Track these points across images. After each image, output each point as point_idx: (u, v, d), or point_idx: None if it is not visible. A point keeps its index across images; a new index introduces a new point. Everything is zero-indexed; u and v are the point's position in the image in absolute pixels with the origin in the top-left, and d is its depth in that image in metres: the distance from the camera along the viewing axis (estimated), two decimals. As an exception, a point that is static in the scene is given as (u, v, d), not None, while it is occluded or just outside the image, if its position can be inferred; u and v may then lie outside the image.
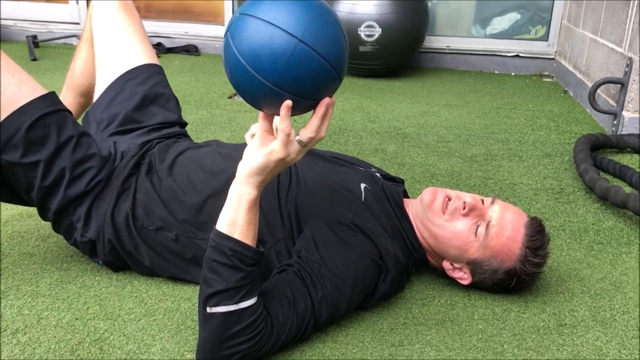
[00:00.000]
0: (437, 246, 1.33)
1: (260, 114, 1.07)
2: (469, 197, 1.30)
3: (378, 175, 1.49)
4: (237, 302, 1.04)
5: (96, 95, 1.60)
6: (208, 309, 1.04)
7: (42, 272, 1.39)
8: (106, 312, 1.24)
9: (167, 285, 1.35)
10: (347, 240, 1.22)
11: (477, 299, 1.34)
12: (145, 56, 1.63)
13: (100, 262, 1.38)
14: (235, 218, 1.07)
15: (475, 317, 1.28)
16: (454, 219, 1.30)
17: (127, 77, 1.58)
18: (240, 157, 1.38)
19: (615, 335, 1.23)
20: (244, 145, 1.46)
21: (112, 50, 1.62)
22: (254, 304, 1.06)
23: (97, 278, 1.37)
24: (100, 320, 1.21)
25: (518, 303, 1.33)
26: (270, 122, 1.08)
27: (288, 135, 1.01)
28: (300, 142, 1.02)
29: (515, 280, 1.29)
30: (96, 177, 1.33)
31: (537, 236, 1.28)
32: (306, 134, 1.02)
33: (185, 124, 1.67)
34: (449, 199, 1.32)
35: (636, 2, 2.47)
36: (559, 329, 1.24)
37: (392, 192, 1.42)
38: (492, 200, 1.33)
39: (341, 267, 1.18)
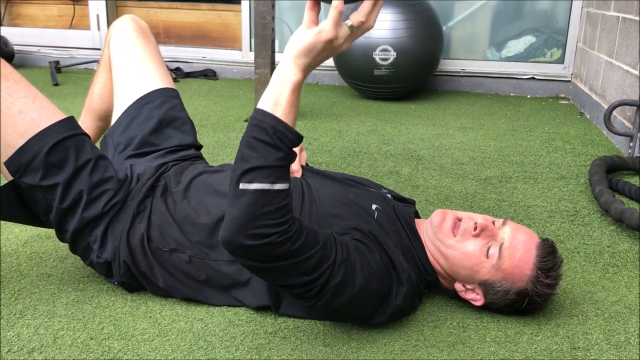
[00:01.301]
0: (449, 267, 1.33)
1: (308, 3, 1.06)
2: (480, 218, 1.31)
3: (389, 196, 1.50)
4: (271, 182, 1.03)
5: (114, 119, 1.64)
6: (241, 185, 1.03)
7: (59, 292, 1.41)
8: (120, 332, 1.26)
9: (181, 306, 1.36)
10: (364, 242, 1.24)
11: (489, 321, 1.34)
12: (161, 81, 1.67)
13: (116, 282, 1.40)
14: (278, 98, 1.05)
15: (487, 339, 1.27)
16: (464, 240, 1.30)
17: (143, 101, 1.62)
18: None
19: (629, 359, 1.21)
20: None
21: (129, 75, 1.66)
22: (287, 189, 1.05)
23: (112, 298, 1.39)
24: (115, 340, 1.23)
25: (531, 326, 1.32)
26: (317, 13, 1.08)
27: (340, 12, 1.01)
28: (350, 26, 1.03)
29: (526, 301, 1.29)
30: (112, 199, 1.36)
31: (549, 257, 1.28)
32: (357, 17, 1.03)
33: (201, 146, 1.70)
34: (459, 220, 1.33)
35: (650, 24, 2.48)
36: (572, 352, 1.23)
37: (403, 213, 1.43)
38: (504, 221, 1.33)
39: (357, 262, 1.20)
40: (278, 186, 1.04)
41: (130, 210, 1.37)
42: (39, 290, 1.41)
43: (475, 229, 1.29)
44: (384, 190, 1.53)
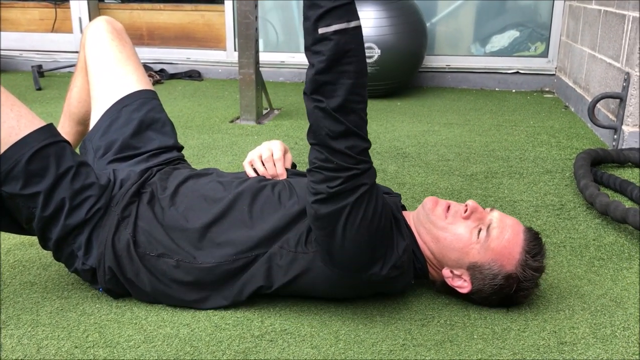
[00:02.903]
0: (439, 251, 1.34)
1: None
2: (470, 201, 1.35)
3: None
4: (347, 21, 1.09)
5: (92, 123, 1.62)
6: (320, 30, 1.09)
7: (42, 300, 1.39)
8: (105, 339, 1.25)
9: (167, 311, 1.35)
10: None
11: (476, 318, 1.34)
12: (138, 83, 1.65)
13: (101, 289, 1.39)
14: None
15: (475, 336, 1.27)
16: (455, 222, 1.33)
17: (122, 104, 1.60)
18: (240, 183, 1.40)
19: (616, 352, 1.22)
20: (243, 173, 1.49)
21: (106, 78, 1.64)
22: (360, 25, 1.12)
23: (97, 305, 1.38)
24: (100, 348, 1.22)
25: (518, 322, 1.32)
26: None
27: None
28: None
29: (515, 287, 1.30)
30: (95, 205, 1.34)
31: (536, 242, 1.32)
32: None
33: (182, 147, 1.69)
34: (450, 207, 1.37)
35: (631, 17, 2.49)
36: (560, 347, 1.24)
37: (390, 202, 1.43)
38: (491, 209, 1.37)
39: (379, 193, 1.25)
40: (353, 24, 1.10)
41: (115, 215, 1.35)
42: (22, 299, 1.40)
43: (466, 211, 1.32)
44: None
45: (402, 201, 1.55)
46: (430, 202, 1.37)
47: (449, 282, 1.35)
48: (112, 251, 1.32)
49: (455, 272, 1.34)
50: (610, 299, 1.42)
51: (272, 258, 1.29)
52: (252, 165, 1.49)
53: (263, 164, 1.48)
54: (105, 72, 1.64)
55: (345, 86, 1.12)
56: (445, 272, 1.35)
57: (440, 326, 1.31)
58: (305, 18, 1.12)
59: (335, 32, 1.09)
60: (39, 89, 3.88)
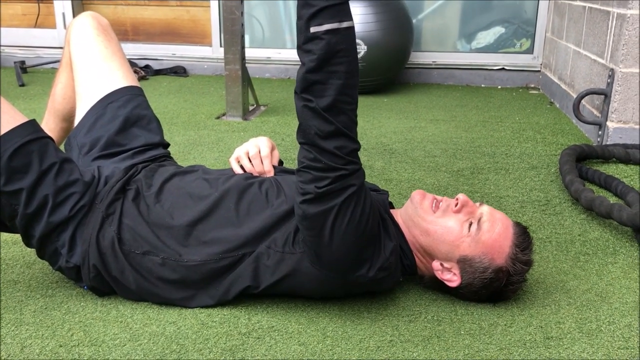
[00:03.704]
0: (428, 244, 1.33)
1: None
2: (461, 195, 1.35)
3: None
4: (339, 21, 1.10)
5: (77, 120, 1.60)
6: (312, 29, 1.09)
7: (26, 299, 1.38)
8: (91, 338, 1.24)
9: (152, 309, 1.34)
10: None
11: (463, 313, 1.34)
12: (124, 79, 1.63)
13: (85, 287, 1.37)
14: None
15: (462, 332, 1.28)
16: (445, 216, 1.33)
17: (107, 101, 1.58)
18: (226, 180, 1.39)
19: (601, 346, 1.23)
20: (229, 170, 1.48)
21: (91, 74, 1.62)
22: (353, 26, 1.13)
23: (82, 304, 1.36)
24: (85, 347, 1.21)
25: (505, 317, 1.33)
26: None
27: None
28: None
29: (504, 280, 1.30)
30: (79, 202, 1.33)
31: (524, 236, 1.33)
32: None
33: (168, 144, 1.67)
34: (438, 200, 1.37)
35: (616, 13, 2.50)
36: (546, 342, 1.24)
37: (378, 200, 1.43)
38: (480, 203, 1.38)
39: (368, 194, 1.25)
40: (345, 24, 1.11)
41: (99, 213, 1.34)
42: (5, 298, 1.38)
43: (457, 204, 1.32)
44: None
45: (389, 198, 1.55)
46: (417, 195, 1.38)
47: (439, 275, 1.35)
48: (97, 249, 1.31)
49: (445, 265, 1.34)
50: (595, 293, 1.43)
51: (259, 258, 1.28)
52: (238, 162, 1.48)
53: (250, 161, 1.47)
54: (91, 68, 1.62)
55: (335, 86, 1.12)
56: (435, 264, 1.35)
57: (427, 322, 1.31)
58: (298, 17, 1.12)
59: (327, 31, 1.09)
60: (22, 85, 3.83)
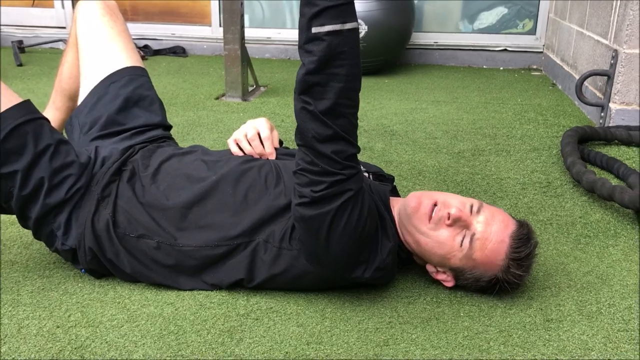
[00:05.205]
0: (420, 252, 1.32)
1: None
2: (454, 208, 1.26)
3: (366, 174, 1.48)
4: (342, 22, 1.05)
5: (80, 99, 1.59)
6: (314, 29, 1.05)
7: (23, 280, 1.37)
8: (88, 319, 1.23)
9: (150, 290, 1.33)
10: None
11: (462, 295, 1.33)
12: (129, 59, 1.62)
13: (83, 270, 1.36)
14: None
15: (461, 314, 1.27)
16: (438, 228, 1.27)
17: (110, 80, 1.57)
18: (224, 164, 1.38)
19: (601, 329, 1.22)
20: (228, 151, 1.46)
21: (95, 54, 1.61)
22: (357, 27, 1.09)
23: (79, 285, 1.35)
24: (82, 328, 1.20)
25: (504, 299, 1.32)
26: None
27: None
28: None
29: (497, 287, 1.29)
30: (75, 184, 1.31)
31: (522, 247, 1.25)
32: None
33: (170, 126, 1.66)
34: (435, 205, 1.29)
35: (620, -7, 2.47)
36: (546, 324, 1.24)
37: (379, 191, 1.40)
38: (479, 207, 1.28)
39: (366, 196, 1.23)
40: (348, 25, 1.06)
41: (95, 195, 1.32)
42: (3, 279, 1.37)
43: (449, 218, 1.25)
44: (362, 169, 1.51)
45: (394, 180, 1.53)
46: (414, 201, 1.30)
47: (433, 276, 1.34)
48: (92, 232, 1.30)
49: (440, 269, 1.33)
50: (596, 276, 1.42)
51: (256, 251, 1.27)
52: (237, 144, 1.46)
53: (249, 144, 1.45)
54: (95, 48, 1.61)
55: (336, 89, 1.08)
56: (429, 267, 1.34)
57: (426, 304, 1.31)
58: (301, 14, 1.08)
59: (329, 32, 1.05)
60: (20, 65, 3.80)
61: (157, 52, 4.24)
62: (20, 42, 4.14)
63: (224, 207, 1.30)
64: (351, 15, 1.08)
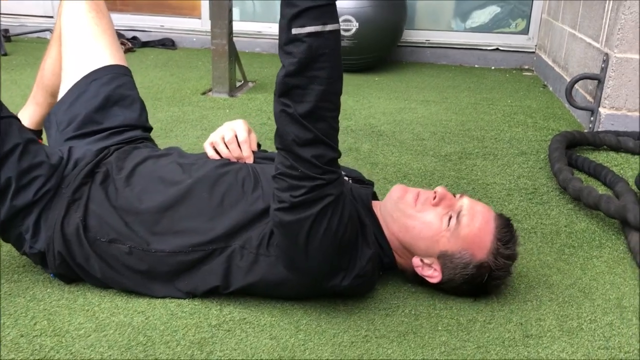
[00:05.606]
0: (407, 240, 1.29)
1: None
2: (439, 188, 1.30)
3: (347, 178, 1.45)
4: (323, 24, 1.03)
5: (60, 95, 1.55)
6: (294, 30, 1.02)
7: (-10, 284, 1.33)
8: (54, 327, 1.19)
9: (121, 297, 1.29)
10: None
11: (442, 308, 1.30)
12: (112, 57, 1.59)
13: (53, 274, 1.32)
14: None
15: (439, 328, 1.24)
16: (424, 209, 1.28)
17: (91, 78, 1.54)
18: (200, 168, 1.34)
19: (581, 346, 1.19)
20: (204, 155, 1.42)
21: (79, 51, 1.58)
22: (338, 29, 1.06)
23: (48, 290, 1.31)
24: (47, 337, 1.16)
25: (484, 312, 1.29)
26: None
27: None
28: None
29: (486, 276, 1.26)
30: (44, 186, 1.27)
31: (507, 229, 1.27)
32: None
33: (150, 128, 1.62)
34: (419, 194, 1.32)
35: (613, -4, 2.44)
36: (525, 340, 1.21)
37: (360, 194, 1.38)
38: (461, 195, 1.32)
39: (347, 203, 1.19)
40: (329, 27, 1.04)
41: (65, 198, 1.28)
42: (-31, 283, 1.33)
43: (435, 198, 1.27)
44: (342, 172, 1.47)
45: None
46: (398, 190, 1.32)
47: (419, 271, 1.31)
48: (61, 235, 1.25)
49: (426, 260, 1.29)
50: (578, 289, 1.40)
51: (232, 257, 1.23)
52: (214, 148, 1.42)
53: (226, 146, 1.41)
54: (79, 45, 1.58)
55: (316, 92, 1.05)
56: (415, 260, 1.30)
57: (404, 316, 1.27)
58: (281, 15, 1.05)
59: (309, 34, 1.02)
60: (5, 54, 3.74)
61: (146, 44, 4.18)
62: (6, 30, 4.07)
63: (199, 211, 1.26)
64: (332, 16, 1.05)
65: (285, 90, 1.07)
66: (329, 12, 1.04)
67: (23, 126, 1.31)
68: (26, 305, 1.26)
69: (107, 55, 1.58)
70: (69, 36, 1.58)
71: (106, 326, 1.20)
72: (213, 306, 1.27)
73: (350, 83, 3.36)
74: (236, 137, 1.41)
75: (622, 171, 2.09)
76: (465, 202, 1.28)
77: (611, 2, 2.45)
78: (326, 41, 1.04)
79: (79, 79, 1.54)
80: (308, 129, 1.08)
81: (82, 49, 1.57)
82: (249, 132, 1.44)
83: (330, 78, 1.07)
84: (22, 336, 1.16)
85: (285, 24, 1.04)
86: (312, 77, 1.05)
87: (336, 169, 1.14)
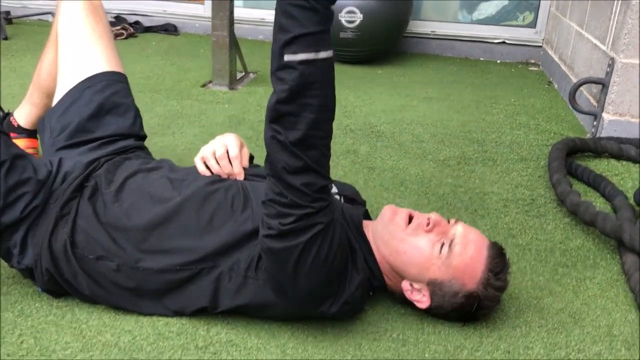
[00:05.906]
0: (398, 264, 1.28)
1: None
2: (433, 214, 1.28)
3: (338, 197, 1.43)
4: (315, 51, 1.02)
5: (55, 100, 1.55)
6: (286, 57, 1.01)
7: (-21, 297, 1.33)
8: (41, 346, 1.19)
9: (109, 314, 1.29)
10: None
11: (430, 332, 1.30)
12: (108, 64, 1.57)
13: (41, 289, 1.32)
14: None
15: (427, 355, 1.23)
16: (417, 235, 1.26)
17: (86, 84, 1.53)
18: (190, 184, 1.33)
19: (567, 378, 1.19)
20: (195, 169, 1.41)
21: (74, 55, 1.56)
22: (332, 56, 1.05)
23: (36, 305, 1.31)
24: (34, 358, 1.16)
25: (472, 339, 1.29)
26: None
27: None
28: None
29: (476, 305, 1.25)
30: (31, 203, 1.26)
31: (499, 259, 1.25)
32: None
33: (144, 136, 1.60)
34: (411, 216, 1.30)
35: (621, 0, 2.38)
36: (511, 370, 1.20)
37: (351, 215, 1.37)
38: (456, 221, 1.30)
39: (337, 229, 1.18)
40: (322, 55, 1.02)
41: (53, 213, 1.27)
42: (-42, 295, 1.33)
43: (428, 224, 1.25)
44: (334, 191, 1.46)
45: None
46: (388, 211, 1.31)
47: (408, 295, 1.30)
48: (49, 252, 1.25)
49: (415, 285, 1.28)
50: (569, 314, 1.39)
51: (220, 279, 1.22)
52: (204, 163, 1.40)
53: (217, 162, 1.39)
54: (75, 49, 1.56)
55: (307, 120, 1.04)
56: (405, 284, 1.29)
57: (392, 341, 1.27)
58: (274, 39, 1.03)
59: (301, 62, 1.00)
60: (5, 38, 3.71)
61: (148, 29, 4.14)
62: (8, 13, 4.03)
63: (187, 230, 1.26)
64: (325, 43, 1.03)
65: (277, 117, 1.06)
66: (322, 39, 1.03)
67: (10, 141, 1.29)
68: (14, 321, 1.26)
69: (103, 61, 1.57)
70: (65, 39, 1.57)
71: (93, 346, 1.20)
72: (200, 326, 1.27)
73: (353, 76, 3.32)
74: (227, 152, 1.40)
75: (622, 181, 2.07)
76: (459, 229, 1.26)
77: (619, 5, 2.39)
78: (318, 69, 1.03)
79: (74, 84, 1.53)
80: (298, 157, 1.06)
81: (77, 54, 1.56)
82: (241, 147, 1.43)
83: (322, 106, 1.05)
84: (8, 355, 1.16)
85: (278, 50, 1.02)
86: (303, 105, 1.04)
87: (327, 197, 1.13)
